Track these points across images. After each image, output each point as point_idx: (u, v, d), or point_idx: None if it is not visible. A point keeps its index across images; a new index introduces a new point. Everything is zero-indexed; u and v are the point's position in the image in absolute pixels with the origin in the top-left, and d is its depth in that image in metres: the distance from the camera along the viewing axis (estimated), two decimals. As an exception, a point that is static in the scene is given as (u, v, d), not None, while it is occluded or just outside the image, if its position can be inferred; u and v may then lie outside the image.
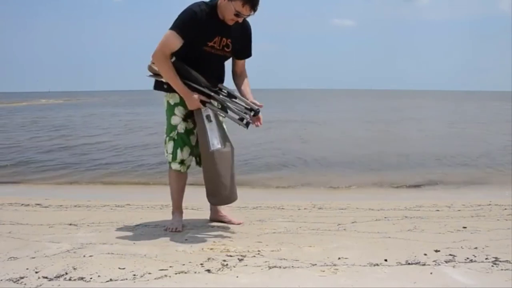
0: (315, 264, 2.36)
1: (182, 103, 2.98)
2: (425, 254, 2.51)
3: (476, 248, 2.63)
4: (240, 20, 2.90)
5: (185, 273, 2.26)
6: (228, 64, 3.12)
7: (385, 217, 3.46)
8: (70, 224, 3.28)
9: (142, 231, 3.08)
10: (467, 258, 2.45)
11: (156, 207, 3.95)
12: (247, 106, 2.96)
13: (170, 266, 2.34)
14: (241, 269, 2.31)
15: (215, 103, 3.00)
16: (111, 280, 2.17)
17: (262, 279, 2.18)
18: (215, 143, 2.91)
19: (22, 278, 2.19)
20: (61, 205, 4.06)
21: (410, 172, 6.87)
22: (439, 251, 2.57)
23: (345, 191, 5.63)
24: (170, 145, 3.04)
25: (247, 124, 2.92)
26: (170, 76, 2.89)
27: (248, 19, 2.97)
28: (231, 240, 2.82)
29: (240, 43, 3.03)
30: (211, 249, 2.63)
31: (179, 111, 3.01)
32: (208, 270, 2.29)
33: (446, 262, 2.40)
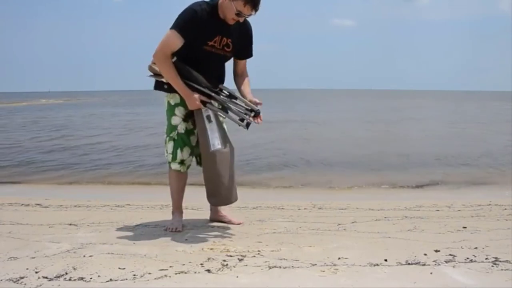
0: (315, 264, 2.36)
1: (182, 103, 2.98)
2: (425, 254, 2.51)
3: (476, 248, 2.64)
4: (241, 19, 2.90)
5: (185, 273, 2.26)
6: (229, 65, 3.12)
7: (385, 217, 3.46)
8: (70, 224, 3.28)
9: (142, 231, 3.08)
10: (467, 258, 2.45)
11: (156, 207, 3.95)
12: (247, 107, 2.95)
13: (170, 266, 2.34)
14: (241, 269, 2.31)
15: (216, 104, 3.00)
16: (111, 280, 2.17)
17: (262, 279, 2.18)
18: (216, 143, 2.91)
19: (22, 278, 2.19)
20: (61, 205, 4.06)
21: (410, 172, 6.87)
22: (439, 251, 2.57)
23: (345, 191, 5.63)
24: (170, 145, 3.04)
25: (247, 125, 2.91)
26: (171, 76, 2.89)
27: (249, 19, 2.97)
28: (231, 240, 2.82)
29: (241, 43, 3.03)
30: (211, 249, 2.63)
31: (179, 112, 3.01)
32: (208, 270, 2.29)
33: (446, 262, 2.40)
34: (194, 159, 3.14)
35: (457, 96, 68.06)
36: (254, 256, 2.50)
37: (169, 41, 2.85)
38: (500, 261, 2.39)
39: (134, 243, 2.78)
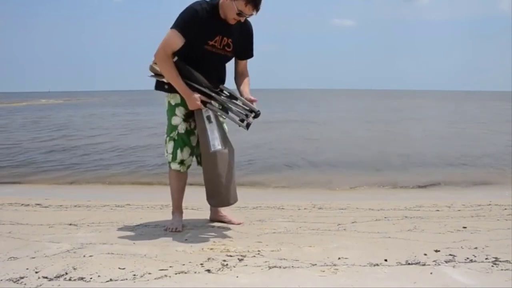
0: (315, 264, 2.36)
1: (183, 103, 2.98)
2: (425, 254, 2.51)
3: (476, 248, 2.64)
4: (242, 19, 2.90)
5: (185, 273, 2.26)
6: (229, 65, 3.12)
7: (385, 217, 3.46)
8: (70, 224, 3.28)
9: (142, 231, 3.08)
10: (467, 258, 2.45)
11: (156, 207, 3.95)
12: (247, 108, 2.95)
13: (170, 266, 2.34)
14: (241, 269, 2.31)
15: (216, 104, 3.00)
16: (111, 280, 2.17)
17: (262, 279, 2.18)
18: (216, 144, 2.91)
19: (22, 278, 2.19)
20: (61, 205, 4.06)
21: (410, 172, 6.87)
22: (439, 251, 2.57)
23: (345, 191, 5.62)
24: (170, 145, 3.04)
25: (247, 126, 2.91)
26: (171, 76, 2.89)
27: (249, 19, 2.97)
28: (231, 240, 2.82)
29: (241, 43, 3.02)
30: (211, 249, 2.63)
31: (180, 112, 3.01)
32: (208, 270, 2.29)
33: (446, 262, 2.40)
34: (194, 159, 3.14)
35: (457, 96, 68.05)
36: (254, 256, 2.50)
37: (170, 41, 2.85)
38: (500, 261, 2.39)
39: (134, 243, 2.78)
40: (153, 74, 3.04)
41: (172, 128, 3.04)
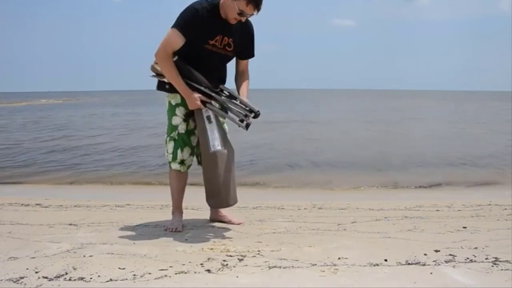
0: (315, 264, 2.36)
1: (183, 103, 2.98)
2: (425, 254, 2.51)
3: (476, 248, 2.63)
4: (243, 19, 2.90)
5: (185, 273, 2.26)
6: (231, 65, 3.12)
7: (385, 217, 3.46)
8: (70, 224, 3.28)
9: (142, 231, 3.08)
10: (467, 258, 2.45)
11: (156, 207, 3.95)
12: (247, 108, 2.95)
13: (170, 266, 2.34)
14: (241, 269, 2.31)
15: (216, 104, 2.99)
16: (111, 280, 2.17)
17: (262, 279, 2.18)
18: (216, 144, 2.90)
19: (22, 278, 2.19)
20: (61, 205, 4.06)
21: (410, 172, 6.88)
22: (439, 251, 2.57)
23: (345, 191, 5.62)
24: (171, 145, 3.04)
25: (247, 126, 2.90)
26: (171, 75, 2.89)
27: (250, 19, 2.97)
28: (231, 240, 2.82)
29: (242, 43, 3.02)
30: (211, 249, 2.63)
31: (180, 112, 3.01)
32: (208, 270, 2.29)
33: (446, 262, 2.40)
34: (195, 159, 3.14)
35: (457, 96, 68.05)
36: (254, 256, 2.50)
37: (170, 40, 2.85)
38: (500, 261, 2.39)
39: (134, 243, 2.78)
40: (154, 74, 3.04)
41: (172, 128, 3.04)
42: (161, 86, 3.03)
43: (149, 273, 2.24)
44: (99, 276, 2.22)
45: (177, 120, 3.02)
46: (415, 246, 2.66)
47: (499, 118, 19.10)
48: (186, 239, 2.85)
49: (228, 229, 3.09)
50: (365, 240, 2.83)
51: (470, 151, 8.92)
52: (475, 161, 7.84)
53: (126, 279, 2.18)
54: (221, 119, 3.03)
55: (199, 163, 3.14)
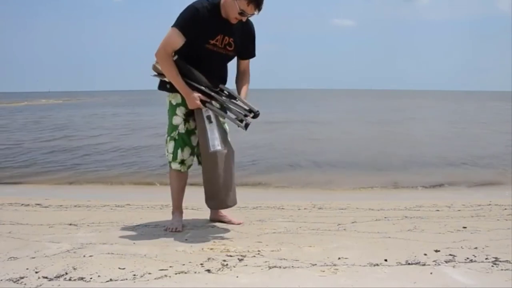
0: (315, 264, 2.36)
1: (184, 103, 2.98)
2: (425, 254, 2.51)
3: (476, 248, 2.63)
4: (244, 19, 2.90)
5: (185, 273, 2.26)
6: (232, 65, 3.12)
7: (385, 217, 3.46)
8: (70, 224, 3.28)
9: (142, 231, 3.08)
10: (467, 258, 2.45)
11: (156, 207, 3.95)
12: (246, 108, 2.95)
13: (170, 266, 2.34)
14: (241, 269, 2.30)
15: (216, 104, 2.99)
16: (111, 280, 2.17)
17: (262, 279, 2.18)
18: (216, 144, 2.90)
19: (22, 278, 2.19)
20: (61, 205, 4.06)
21: (410, 172, 6.88)
22: (439, 251, 2.57)
23: (345, 191, 5.63)
24: (171, 145, 3.04)
25: (246, 126, 2.90)
26: (172, 75, 2.89)
27: (250, 19, 2.97)
28: (231, 240, 2.82)
29: (243, 42, 3.02)
30: (211, 249, 2.63)
31: (180, 112, 3.02)
32: (208, 270, 2.29)
33: (446, 262, 2.40)
34: (195, 159, 3.13)
35: (457, 96, 68.04)
36: (254, 256, 2.50)
37: (171, 39, 2.86)
38: (500, 261, 2.39)
39: (134, 243, 2.78)
40: (156, 73, 3.04)
41: (173, 127, 3.04)
42: (162, 85, 3.04)
43: (149, 273, 2.24)
44: (99, 276, 2.22)
45: (178, 120, 3.02)
46: (415, 246, 2.66)
47: (499, 118, 19.10)
48: (186, 239, 2.85)
49: (228, 229, 3.09)
50: (365, 240, 2.83)
51: (470, 151, 8.93)
52: (475, 161, 7.85)
53: (126, 279, 2.18)
54: (221, 119, 3.03)
55: (200, 163, 3.13)
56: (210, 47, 2.92)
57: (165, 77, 2.97)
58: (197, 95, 2.90)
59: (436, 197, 4.84)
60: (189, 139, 3.04)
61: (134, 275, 2.23)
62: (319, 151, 9.10)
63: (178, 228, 3.04)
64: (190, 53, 2.90)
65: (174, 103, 3.03)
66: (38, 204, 4.10)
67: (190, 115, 3.00)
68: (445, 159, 7.98)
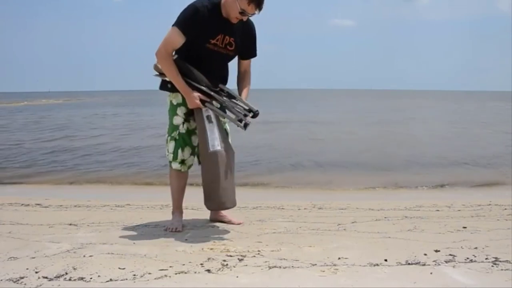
0: (315, 264, 2.36)
1: (184, 103, 2.98)
2: (425, 254, 2.51)
3: (476, 248, 2.63)
4: (245, 18, 2.90)
5: (185, 273, 2.26)
6: (233, 65, 3.11)
7: (385, 217, 3.46)
8: (70, 224, 3.28)
9: (142, 231, 3.08)
10: (467, 258, 2.45)
11: (156, 207, 3.95)
12: (246, 107, 2.95)
13: (170, 266, 2.34)
14: (241, 269, 2.30)
15: (216, 103, 2.99)
16: (111, 280, 2.17)
17: (262, 279, 2.18)
18: (215, 144, 2.89)
19: (22, 278, 2.19)
20: (61, 205, 4.06)
21: (410, 172, 6.88)
22: (439, 251, 2.57)
23: (345, 191, 5.63)
24: (172, 144, 3.04)
25: (245, 126, 2.90)
26: (172, 74, 2.89)
27: (251, 18, 2.97)
28: (231, 240, 2.82)
29: (244, 42, 3.02)
30: (211, 249, 2.63)
31: (181, 111, 3.01)
32: (208, 270, 2.29)
33: (446, 262, 2.40)
34: (196, 159, 3.13)
35: (457, 96, 68.05)
36: (254, 256, 2.50)
37: (171, 39, 2.86)
38: (500, 261, 2.39)
39: (134, 243, 2.78)
40: (157, 73, 3.04)
41: (173, 127, 3.04)
42: (164, 85, 3.04)
43: (149, 273, 2.24)
44: (99, 276, 2.22)
45: (178, 119, 3.02)
46: (415, 246, 2.66)
47: (499, 118, 19.11)
48: (186, 239, 2.85)
49: (228, 229, 3.09)
50: (365, 240, 2.83)
51: (471, 151, 8.93)
52: (475, 161, 7.85)
53: (126, 279, 2.18)
54: (222, 119, 3.02)
55: (200, 163, 3.13)
56: (210, 46, 2.92)
57: (166, 76, 2.97)
58: (197, 94, 2.90)
59: (436, 197, 4.84)
60: (189, 139, 3.04)
61: (134, 275, 2.23)
62: (319, 151, 9.10)
63: (178, 228, 3.04)
64: (191, 53, 2.90)
65: (175, 103, 3.03)
66: (38, 204, 4.10)
67: (190, 115, 3.00)
68: (445, 159, 7.98)
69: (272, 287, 2.10)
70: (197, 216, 3.44)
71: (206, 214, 3.37)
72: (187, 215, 3.32)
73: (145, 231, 3.07)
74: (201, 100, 2.90)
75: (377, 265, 2.35)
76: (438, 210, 3.75)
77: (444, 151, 8.99)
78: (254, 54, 3.12)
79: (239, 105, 2.97)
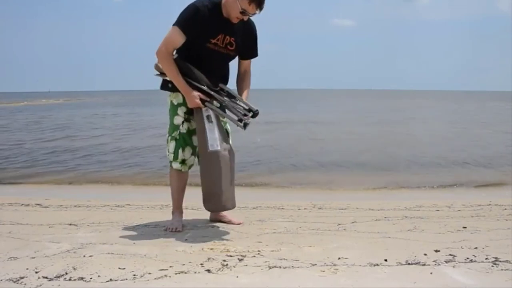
0: (315, 264, 2.36)
1: (185, 103, 2.97)
2: (425, 254, 2.51)
3: (476, 248, 2.63)
4: (246, 18, 2.90)
5: (185, 273, 2.26)
6: (234, 65, 3.11)
7: (385, 217, 3.46)
8: (70, 224, 3.28)
9: (142, 231, 3.08)
10: (467, 258, 2.45)
11: (156, 207, 3.95)
12: (246, 107, 2.95)
13: (170, 266, 2.34)
14: (241, 269, 2.30)
15: (216, 103, 2.99)
16: (111, 280, 2.17)
17: (262, 279, 2.18)
18: (215, 144, 2.88)
19: (22, 278, 2.19)
20: (61, 205, 4.06)
21: (411, 172, 6.88)
22: (439, 251, 2.57)
23: (345, 191, 5.63)
24: (172, 144, 3.04)
25: (245, 125, 2.89)
26: (172, 73, 2.89)
27: (252, 18, 2.97)
28: (231, 240, 2.82)
29: (244, 42, 3.02)
30: (211, 249, 2.63)
31: (182, 111, 3.01)
32: (208, 270, 2.29)
33: (446, 262, 2.40)
34: (196, 159, 3.13)
35: (457, 96, 68.03)
36: (254, 256, 2.50)
37: (171, 38, 2.86)
38: (500, 261, 2.39)
39: (134, 243, 2.78)
40: (158, 73, 3.03)
41: (174, 127, 3.04)
42: (164, 85, 3.03)
43: (149, 273, 2.24)
44: (99, 276, 2.22)
45: (179, 119, 3.02)
46: (415, 246, 2.66)
47: (499, 118, 19.11)
48: (186, 239, 2.85)
49: (228, 229, 3.09)
50: (365, 240, 2.83)
51: (471, 151, 8.93)
52: (475, 161, 7.84)
53: (126, 279, 2.18)
54: (222, 119, 3.02)
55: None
56: (211, 46, 2.92)
57: (167, 76, 2.97)
58: (197, 94, 2.90)
59: (436, 197, 4.84)
60: (190, 139, 3.04)
61: (134, 275, 2.23)
62: (320, 151, 9.10)
63: (178, 228, 3.04)
64: (191, 52, 2.90)
65: (176, 103, 3.03)
66: (38, 204, 4.10)
67: (190, 114, 3.00)
68: (445, 159, 7.98)
69: (272, 287, 2.10)
70: (197, 216, 3.44)
71: (206, 214, 3.37)
72: (187, 215, 3.32)
73: (145, 231, 3.07)
74: (201, 100, 2.90)
75: (377, 265, 2.35)
76: (438, 210, 3.75)
77: (444, 151, 8.99)
78: (255, 54, 3.12)
79: (239, 104, 2.97)
